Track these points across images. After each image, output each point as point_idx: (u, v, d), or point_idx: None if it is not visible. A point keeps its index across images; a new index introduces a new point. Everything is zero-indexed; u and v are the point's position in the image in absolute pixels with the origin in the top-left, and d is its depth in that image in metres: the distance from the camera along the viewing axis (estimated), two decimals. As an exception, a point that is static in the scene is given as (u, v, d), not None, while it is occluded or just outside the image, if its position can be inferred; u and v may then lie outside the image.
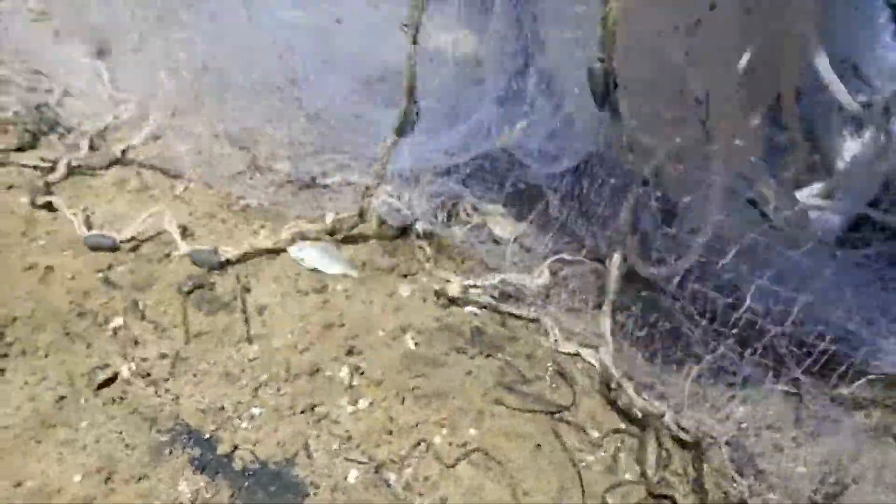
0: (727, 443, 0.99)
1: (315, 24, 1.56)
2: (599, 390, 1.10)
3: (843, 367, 0.95)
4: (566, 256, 1.19)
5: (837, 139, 1.22)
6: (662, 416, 1.01)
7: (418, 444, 1.06)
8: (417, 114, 1.09)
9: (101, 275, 1.34)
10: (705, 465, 1.01)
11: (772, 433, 1.00)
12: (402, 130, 1.11)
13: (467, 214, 1.29)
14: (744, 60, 0.97)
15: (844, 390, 0.96)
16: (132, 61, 1.86)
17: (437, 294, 1.26)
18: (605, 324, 1.07)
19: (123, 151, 1.63)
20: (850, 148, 1.21)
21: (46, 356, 1.20)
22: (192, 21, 1.80)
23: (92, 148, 1.64)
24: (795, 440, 1.00)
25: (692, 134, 1.00)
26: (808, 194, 1.24)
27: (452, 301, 1.25)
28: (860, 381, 0.95)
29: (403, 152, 1.23)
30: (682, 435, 1.02)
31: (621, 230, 1.09)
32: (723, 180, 1.01)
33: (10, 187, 1.54)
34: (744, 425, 1.02)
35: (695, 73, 0.97)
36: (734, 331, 1.00)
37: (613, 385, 1.05)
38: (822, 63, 1.03)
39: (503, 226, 1.30)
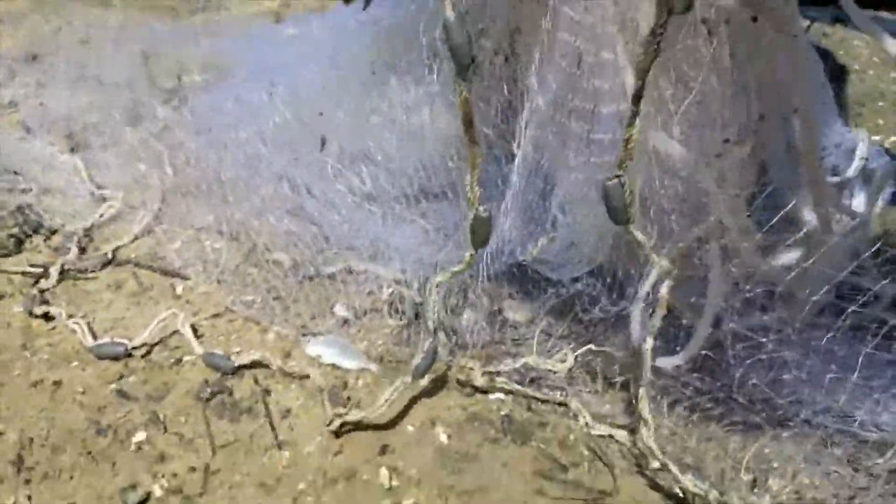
0: (772, 518, 1.02)
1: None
2: (639, 472, 1.12)
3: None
4: (593, 347, 1.22)
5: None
6: (705, 497, 1.04)
7: (470, 544, 1.06)
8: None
9: (113, 386, 1.32)
10: (751, 542, 1.04)
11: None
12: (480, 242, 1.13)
13: (481, 300, 1.31)
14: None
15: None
16: (110, 155, 1.85)
17: (461, 383, 1.27)
18: (645, 407, 1.09)
19: (115, 251, 1.61)
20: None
21: (71, 478, 1.17)
22: (170, 114, 1.80)
23: (81, 250, 1.62)
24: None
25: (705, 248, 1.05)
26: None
27: (477, 389, 1.27)
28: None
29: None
30: (727, 513, 1.04)
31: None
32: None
33: (1, 297, 1.51)
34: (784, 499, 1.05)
35: (716, 197, 1.02)
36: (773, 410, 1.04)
37: (656, 466, 1.08)
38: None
39: (518, 310, 1.32)
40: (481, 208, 1.07)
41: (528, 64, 1.11)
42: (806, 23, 2.63)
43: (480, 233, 1.10)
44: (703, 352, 1.14)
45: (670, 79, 0.98)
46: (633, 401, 1.15)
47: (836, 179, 1.22)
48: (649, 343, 1.11)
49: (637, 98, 0.91)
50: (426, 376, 1.23)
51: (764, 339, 1.07)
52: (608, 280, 1.21)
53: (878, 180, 1.25)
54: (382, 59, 1.35)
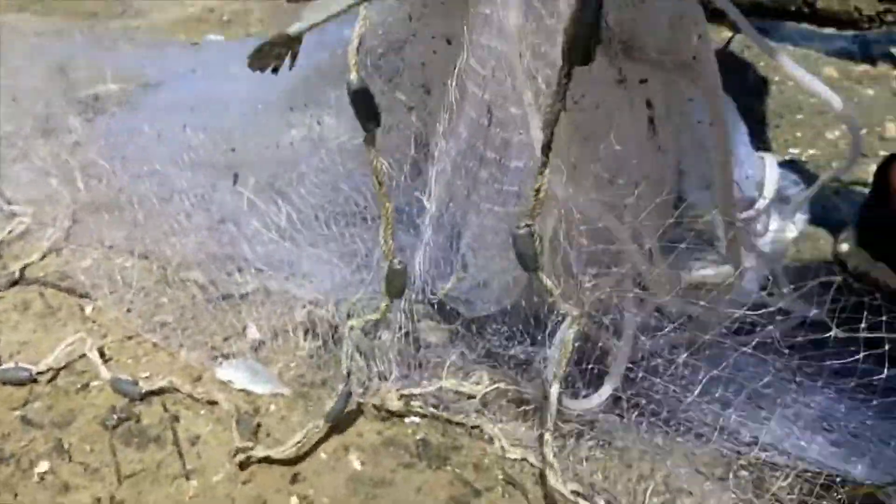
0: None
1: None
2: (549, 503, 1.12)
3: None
4: (502, 385, 1.22)
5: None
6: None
7: (380, 574, 1.05)
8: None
9: (17, 413, 1.27)
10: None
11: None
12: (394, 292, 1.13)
13: (398, 321, 1.29)
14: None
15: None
16: (21, 169, 1.79)
17: (377, 407, 1.25)
18: (549, 452, 1.10)
19: (22, 270, 1.56)
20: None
21: (-32, 513, 1.13)
22: (83, 129, 1.75)
23: (-13, 269, 1.56)
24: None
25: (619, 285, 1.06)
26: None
27: (392, 413, 1.25)
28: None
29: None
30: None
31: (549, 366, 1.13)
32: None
33: None
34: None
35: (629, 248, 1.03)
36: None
37: (566, 492, 1.08)
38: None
39: (436, 332, 1.31)
40: (396, 260, 1.10)
41: (438, 115, 1.11)
42: (728, 34, 2.68)
43: (395, 283, 1.12)
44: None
45: (582, 131, 0.99)
46: (539, 444, 1.15)
47: (751, 213, 1.24)
48: (555, 389, 1.11)
49: (546, 149, 0.91)
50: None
51: (671, 363, 1.08)
52: (519, 321, 1.21)
53: (791, 207, 1.27)
54: (302, 95, 1.34)
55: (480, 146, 1.08)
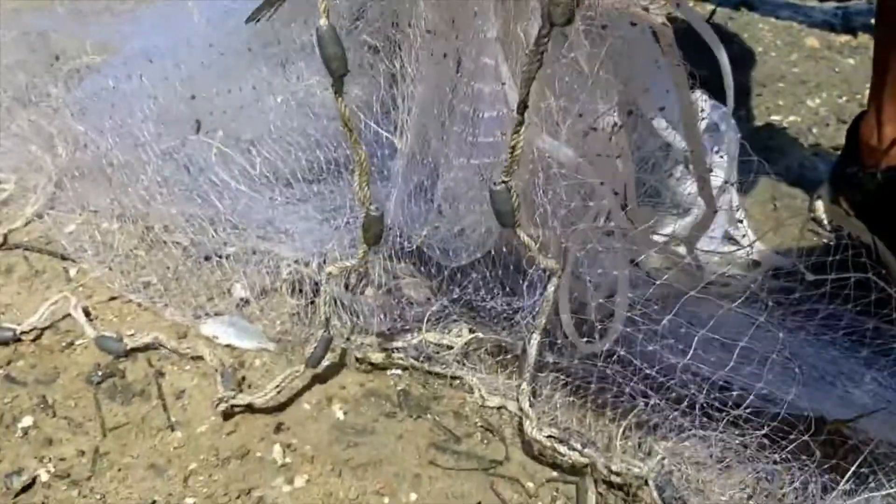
0: (655, 483, 1.05)
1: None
2: (526, 448, 1.14)
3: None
4: (480, 335, 1.24)
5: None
6: (593, 464, 1.07)
7: (362, 516, 1.07)
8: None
9: (1, 371, 1.28)
10: (636, 505, 1.07)
11: (695, 470, 1.07)
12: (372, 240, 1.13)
13: (380, 277, 1.31)
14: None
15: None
16: (2, 138, 1.79)
17: (359, 360, 1.27)
18: (525, 401, 1.12)
19: (6, 236, 1.56)
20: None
21: (-47, 466, 1.14)
22: (62, 96, 1.75)
23: (-29, 234, 1.57)
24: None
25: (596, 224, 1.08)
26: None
27: (374, 366, 1.27)
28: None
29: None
30: (613, 478, 1.07)
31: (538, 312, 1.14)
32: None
33: None
34: (667, 463, 1.08)
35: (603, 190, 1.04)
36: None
37: (542, 438, 1.09)
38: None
39: (416, 288, 1.33)
40: (372, 207, 1.09)
41: (406, 60, 1.11)
42: (710, 7, 2.70)
43: (373, 231, 1.12)
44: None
45: (551, 87, 0.99)
46: (516, 394, 1.17)
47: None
48: (535, 339, 1.13)
49: (522, 106, 0.92)
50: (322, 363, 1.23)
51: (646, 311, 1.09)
52: (497, 271, 1.22)
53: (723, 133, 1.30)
54: (261, 39, 1.33)
55: (451, 98, 1.09)
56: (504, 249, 1.20)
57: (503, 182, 0.97)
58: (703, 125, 1.28)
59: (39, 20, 2.14)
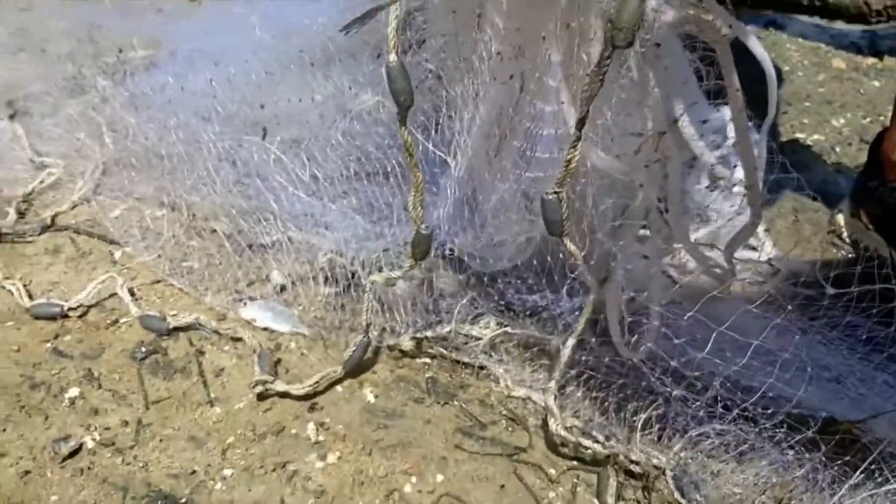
0: (672, 473, 1.10)
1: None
2: (549, 438, 1.19)
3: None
4: (508, 330, 1.29)
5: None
6: (615, 455, 1.12)
7: (391, 493, 1.12)
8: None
9: (49, 345, 1.34)
10: (653, 494, 1.11)
11: (712, 461, 1.12)
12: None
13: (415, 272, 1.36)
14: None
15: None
16: (50, 124, 1.86)
17: (390, 347, 1.33)
18: (551, 399, 1.17)
19: (53, 217, 1.63)
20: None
21: (4, 430, 1.20)
22: (110, 88, 1.82)
23: (20, 214, 1.63)
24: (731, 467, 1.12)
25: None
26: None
27: (404, 353, 1.32)
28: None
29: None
30: (633, 468, 1.12)
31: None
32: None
33: (-63, 258, 1.52)
34: (684, 455, 1.12)
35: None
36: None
37: (565, 429, 1.15)
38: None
39: (447, 280, 1.38)
40: (423, 225, 1.16)
41: (470, 83, 1.16)
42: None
43: (421, 247, 1.18)
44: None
45: (608, 104, 1.04)
46: (541, 386, 1.23)
47: (721, 153, 1.31)
48: (571, 341, 1.18)
49: (580, 123, 0.97)
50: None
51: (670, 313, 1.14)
52: (531, 274, 1.29)
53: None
54: (323, 54, 1.40)
55: (512, 115, 1.14)
56: (535, 260, 1.26)
57: (555, 192, 1.02)
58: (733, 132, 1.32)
59: (89, 14, 2.21)
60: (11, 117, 1.90)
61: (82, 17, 2.17)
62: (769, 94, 1.20)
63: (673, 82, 1.12)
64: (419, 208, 1.14)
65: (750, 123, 1.43)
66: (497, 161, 1.19)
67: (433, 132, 1.24)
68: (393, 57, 1.01)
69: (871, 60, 2.57)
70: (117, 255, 1.55)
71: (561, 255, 1.24)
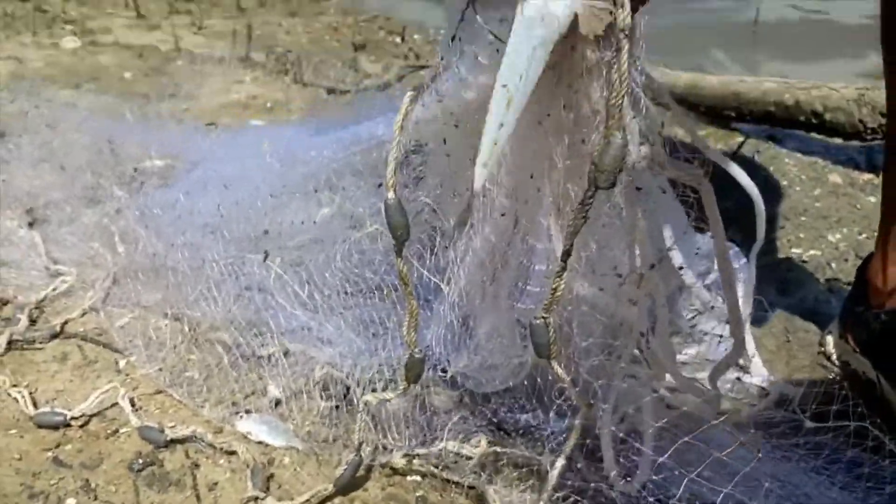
0: None
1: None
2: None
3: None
4: (498, 449, 1.31)
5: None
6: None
7: None
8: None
9: (50, 454, 1.38)
10: None
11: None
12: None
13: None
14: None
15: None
16: (67, 232, 1.94)
17: (381, 465, 1.35)
18: None
19: (63, 325, 1.68)
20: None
21: (-1, 542, 1.23)
22: (125, 199, 1.90)
23: (32, 321, 1.69)
24: None
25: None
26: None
27: (395, 471, 1.34)
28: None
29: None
30: None
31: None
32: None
33: (-53, 364, 1.57)
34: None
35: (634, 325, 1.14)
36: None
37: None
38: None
39: (441, 397, 1.41)
40: (417, 350, 1.21)
41: (463, 214, 1.22)
42: (740, 138, 2.83)
43: (414, 371, 1.23)
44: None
45: (593, 238, 1.11)
46: None
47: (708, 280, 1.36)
48: (559, 463, 1.21)
49: (566, 255, 1.02)
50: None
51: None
52: (522, 394, 1.33)
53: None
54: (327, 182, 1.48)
55: (506, 250, 1.20)
56: (526, 382, 1.29)
57: (542, 317, 1.06)
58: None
59: (110, 125, 2.32)
60: (31, 225, 1.98)
61: (104, 130, 2.27)
62: (757, 220, 1.26)
63: (659, 216, 1.19)
64: (413, 334, 1.19)
65: (738, 250, 1.49)
66: (491, 291, 1.23)
67: (428, 260, 1.28)
68: (391, 194, 1.08)
69: (867, 176, 2.63)
70: (122, 363, 1.60)
71: (550, 377, 1.27)
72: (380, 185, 1.40)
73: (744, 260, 1.48)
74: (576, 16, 0.90)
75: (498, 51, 0.98)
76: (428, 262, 1.27)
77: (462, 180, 1.19)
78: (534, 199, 1.12)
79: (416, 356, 1.21)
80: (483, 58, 1.03)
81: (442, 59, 1.11)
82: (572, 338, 1.19)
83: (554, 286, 1.04)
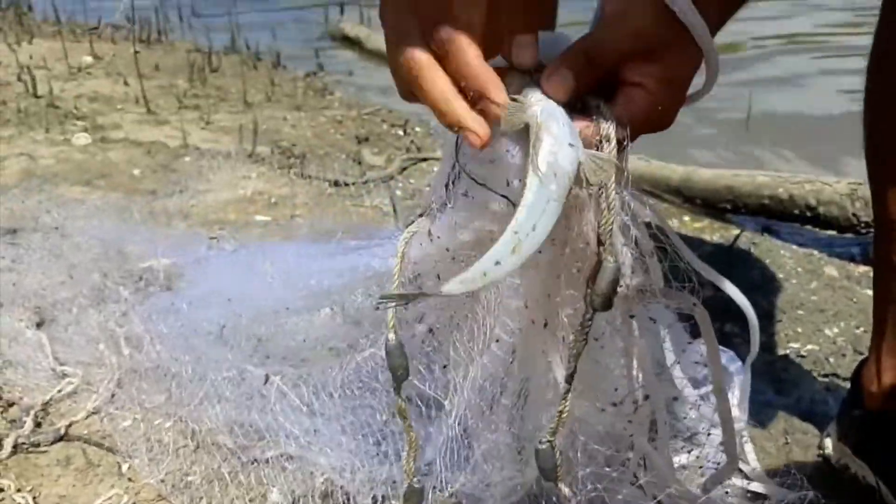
0: None
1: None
2: None
3: None
4: None
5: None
6: None
7: None
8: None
9: (51, 563, 1.38)
10: None
11: None
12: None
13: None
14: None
15: None
16: (73, 334, 1.97)
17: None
18: None
19: (68, 427, 1.70)
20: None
21: None
22: (131, 302, 1.94)
23: (37, 424, 1.71)
24: None
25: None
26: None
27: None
28: None
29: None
30: None
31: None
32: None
33: (-48, 468, 1.58)
34: None
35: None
36: None
37: None
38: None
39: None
40: (415, 479, 1.24)
41: (464, 351, 1.25)
42: (735, 231, 2.87)
43: (413, 500, 1.26)
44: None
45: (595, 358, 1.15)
46: None
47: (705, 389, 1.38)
48: None
49: (570, 378, 1.06)
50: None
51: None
52: None
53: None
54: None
55: (504, 379, 1.22)
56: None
57: (549, 441, 1.09)
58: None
59: (117, 224, 2.38)
60: (38, 325, 2.01)
61: (112, 229, 2.33)
62: (751, 333, 1.29)
63: (657, 332, 1.22)
64: (412, 464, 1.23)
65: (733, 354, 1.51)
66: (490, 415, 1.26)
67: (427, 383, 1.31)
68: (392, 336, 1.12)
69: (863, 269, 2.65)
70: (124, 467, 1.61)
71: (554, 498, 1.29)
72: (377, 307, 1.42)
73: (739, 363, 1.51)
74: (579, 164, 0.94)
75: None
76: (427, 384, 1.29)
77: (461, 322, 1.22)
78: (529, 327, 1.16)
79: (415, 486, 1.24)
80: (478, 201, 1.06)
81: (432, 202, 1.16)
82: (575, 459, 1.21)
83: (559, 409, 1.07)
